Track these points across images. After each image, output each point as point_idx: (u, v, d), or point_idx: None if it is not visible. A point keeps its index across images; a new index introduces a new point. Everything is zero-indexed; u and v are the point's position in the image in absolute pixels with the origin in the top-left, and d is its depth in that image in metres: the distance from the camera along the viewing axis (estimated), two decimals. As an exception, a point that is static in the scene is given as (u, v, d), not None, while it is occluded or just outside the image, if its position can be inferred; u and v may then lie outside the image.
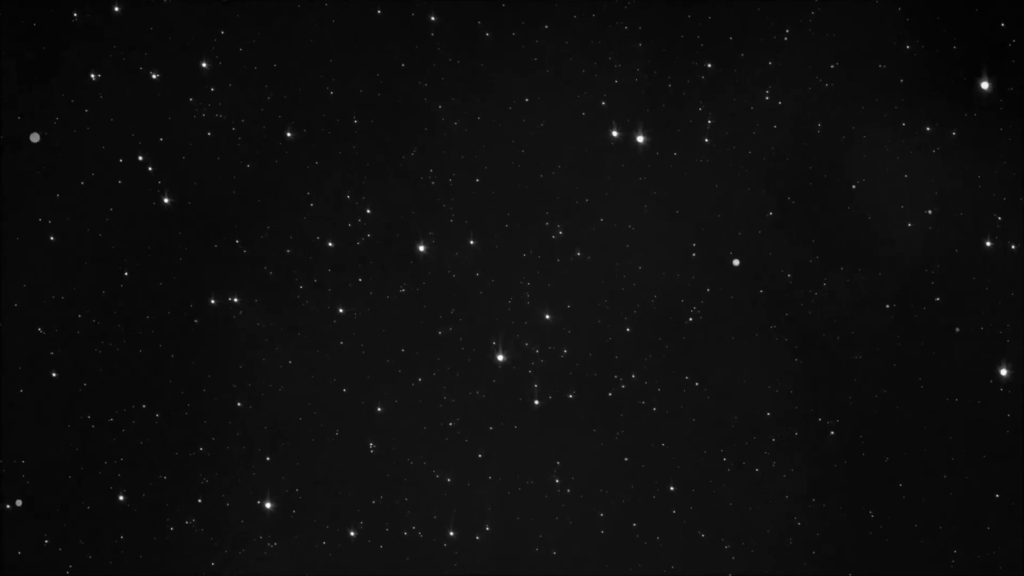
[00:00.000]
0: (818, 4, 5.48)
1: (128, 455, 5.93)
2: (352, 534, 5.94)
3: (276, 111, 5.88)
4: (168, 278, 5.96)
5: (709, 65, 5.60)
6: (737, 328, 5.67)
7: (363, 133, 5.85)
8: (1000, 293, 5.41)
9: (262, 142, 5.89)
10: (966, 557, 5.42)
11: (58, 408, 5.92)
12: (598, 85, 5.70)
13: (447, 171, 5.82)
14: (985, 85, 5.32)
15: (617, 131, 5.66)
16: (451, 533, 5.86)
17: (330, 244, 5.91)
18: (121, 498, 5.92)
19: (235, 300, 5.93)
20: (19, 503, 5.83)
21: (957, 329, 5.42)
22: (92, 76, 5.84)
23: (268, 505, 5.94)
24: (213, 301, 5.94)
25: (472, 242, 5.86)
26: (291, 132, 5.88)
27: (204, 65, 5.85)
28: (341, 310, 5.94)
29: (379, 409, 5.93)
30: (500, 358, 5.82)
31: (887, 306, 5.51)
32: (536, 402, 5.83)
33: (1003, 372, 5.36)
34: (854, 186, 5.52)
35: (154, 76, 5.83)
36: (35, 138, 5.58)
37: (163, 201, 5.91)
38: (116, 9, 5.80)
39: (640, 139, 5.68)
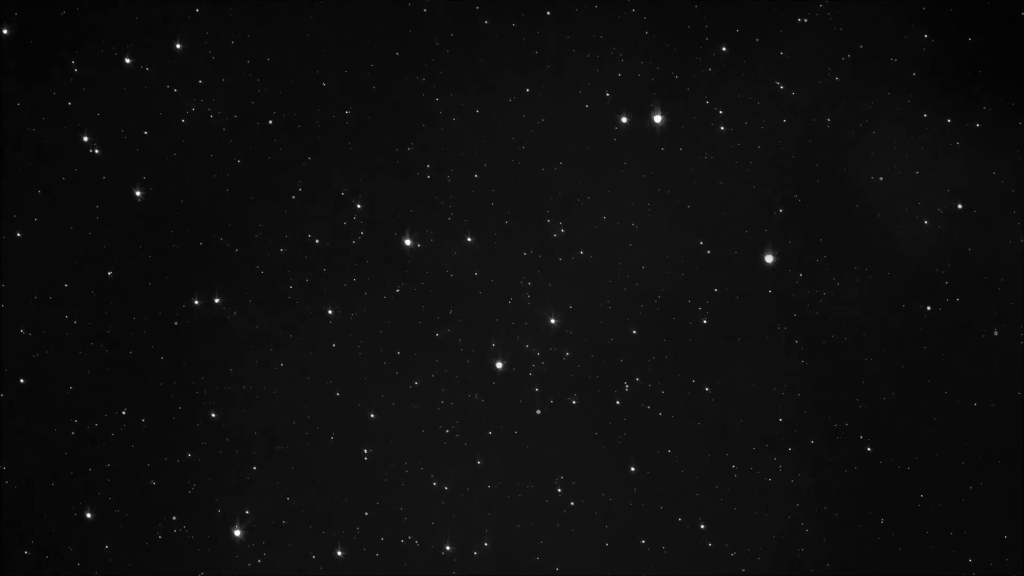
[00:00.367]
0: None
1: (116, 460, 5.98)
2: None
3: (269, 107, 5.90)
4: (158, 278, 5.99)
5: (715, 59, 5.61)
6: (744, 329, 5.70)
7: (358, 128, 5.88)
8: (1015, 293, 5.39)
9: (254, 138, 5.92)
10: (981, 563, 5.45)
11: (45, 412, 5.96)
12: (601, 79, 5.71)
13: (445, 168, 5.85)
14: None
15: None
16: (449, 543, 5.89)
17: (324, 243, 5.93)
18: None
19: (227, 301, 5.96)
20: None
21: (970, 330, 5.45)
22: (75, 68, 5.88)
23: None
24: (198, 302, 5.97)
25: (471, 240, 5.87)
26: (284, 128, 5.90)
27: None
28: (336, 310, 5.96)
29: (374, 414, 5.96)
30: (499, 366, 5.86)
31: (900, 306, 5.54)
32: (537, 406, 5.86)
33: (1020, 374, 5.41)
34: (865, 183, 5.54)
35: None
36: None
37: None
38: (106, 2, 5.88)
39: (654, 122, 5.67)
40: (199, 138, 5.88)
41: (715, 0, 5.56)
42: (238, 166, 5.92)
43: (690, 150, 5.68)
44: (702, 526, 5.70)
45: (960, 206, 5.42)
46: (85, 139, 5.88)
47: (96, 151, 5.89)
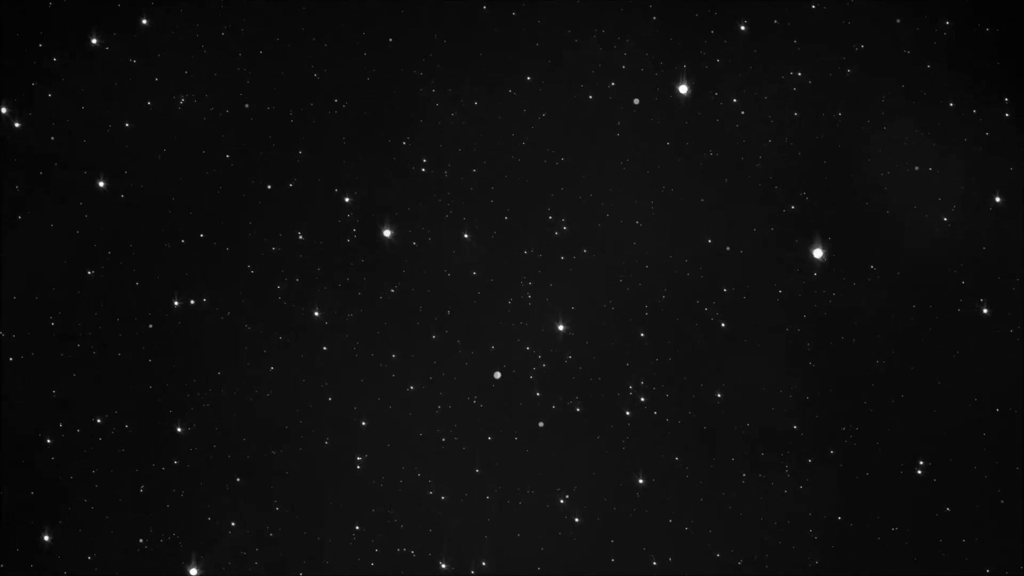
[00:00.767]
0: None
1: (101, 466, 5.98)
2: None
3: (260, 100, 5.91)
4: (146, 278, 6.00)
5: (722, 51, 5.61)
6: (752, 330, 5.69)
7: (352, 122, 5.89)
8: (1028, 293, 5.42)
9: (245, 133, 5.93)
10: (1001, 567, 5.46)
11: (32, 415, 5.97)
12: (604, 72, 5.70)
13: (442, 163, 5.86)
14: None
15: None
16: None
17: (317, 241, 5.93)
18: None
19: (217, 302, 5.97)
20: None
21: (985, 333, 5.41)
22: (54, 60, 5.89)
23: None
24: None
25: (469, 239, 5.88)
26: (276, 122, 5.91)
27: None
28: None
29: (368, 419, 5.96)
30: (498, 371, 5.86)
31: (912, 306, 5.51)
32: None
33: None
34: (877, 179, 5.52)
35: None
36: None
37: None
38: None
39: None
40: (188, 133, 5.90)
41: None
42: (228, 162, 5.93)
43: (696, 146, 5.68)
44: (710, 532, 5.71)
45: (977, 203, 5.41)
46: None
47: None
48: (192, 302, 5.94)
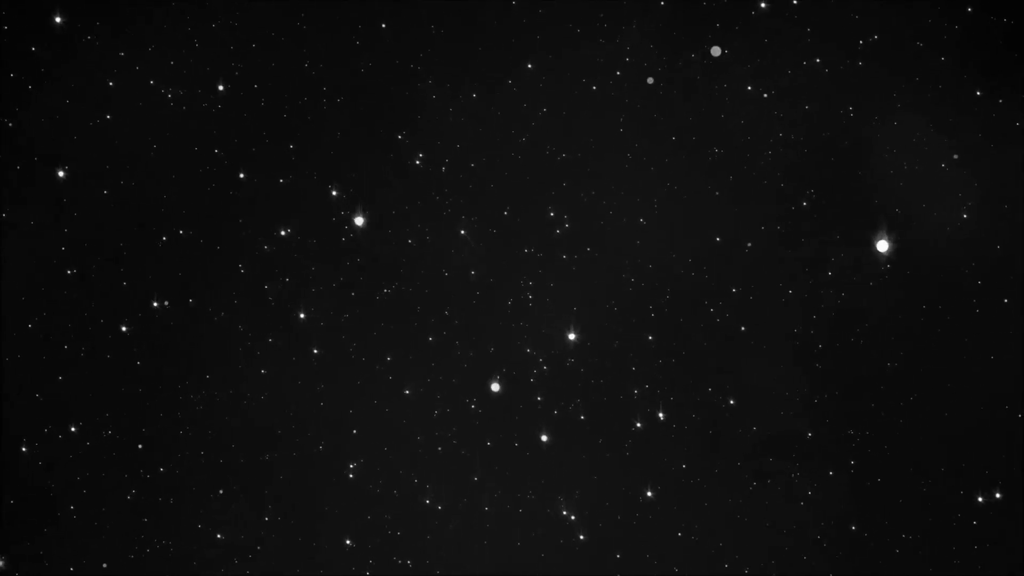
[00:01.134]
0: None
1: (92, 469, 6.00)
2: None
3: (254, 96, 5.90)
4: (136, 278, 6.00)
5: (729, 45, 5.57)
6: (759, 331, 5.67)
7: (347, 118, 5.89)
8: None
9: (238, 130, 5.94)
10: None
11: (17, 420, 5.97)
12: (607, 65, 5.68)
13: (440, 160, 5.87)
14: None
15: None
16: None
17: (311, 240, 5.94)
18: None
19: (210, 302, 5.98)
20: None
21: (997, 335, 5.35)
22: (40, 55, 5.87)
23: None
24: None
25: (467, 237, 5.88)
26: (269, 118, 5.92)
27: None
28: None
29: (363, 423, 5.98)
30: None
31: (922, 307, 5.47)
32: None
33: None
34: (886, 177, 5.46)
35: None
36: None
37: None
38: None
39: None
40: (180, 130, 5.91)
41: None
42: (220, 158, 5.94)
43: (701, 143, 5.66)
44: (719, 542, 5.71)
45: (992, 201, 5.34)
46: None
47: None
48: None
